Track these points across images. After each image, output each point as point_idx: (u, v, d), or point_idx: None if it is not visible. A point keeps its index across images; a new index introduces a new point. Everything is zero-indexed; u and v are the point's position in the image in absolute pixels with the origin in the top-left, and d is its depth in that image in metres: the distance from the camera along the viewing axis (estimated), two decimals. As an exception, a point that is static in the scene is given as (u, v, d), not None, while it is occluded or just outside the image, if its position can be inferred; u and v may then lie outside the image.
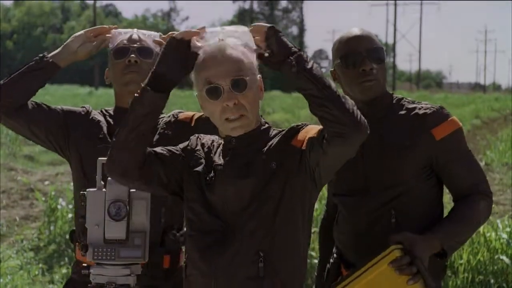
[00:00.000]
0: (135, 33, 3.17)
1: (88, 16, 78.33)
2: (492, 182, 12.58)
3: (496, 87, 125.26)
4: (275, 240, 2.48)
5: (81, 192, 2.61)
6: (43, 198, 9.28)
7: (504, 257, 6.78)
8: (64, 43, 3.17)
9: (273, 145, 2.53)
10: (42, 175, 12.56)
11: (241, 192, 2.49)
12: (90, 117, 3.20)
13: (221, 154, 2.59)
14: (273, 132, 2.60)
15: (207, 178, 2.54)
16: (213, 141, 2.67)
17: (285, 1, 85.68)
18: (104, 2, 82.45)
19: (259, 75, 2.57)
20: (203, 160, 2.58)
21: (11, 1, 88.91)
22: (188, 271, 2.56)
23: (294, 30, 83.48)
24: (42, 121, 3.13)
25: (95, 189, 2.60)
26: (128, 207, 2.56)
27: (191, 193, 2.57)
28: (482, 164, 14.21)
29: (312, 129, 2.52)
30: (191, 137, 2.70)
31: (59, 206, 8.33)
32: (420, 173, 2.98)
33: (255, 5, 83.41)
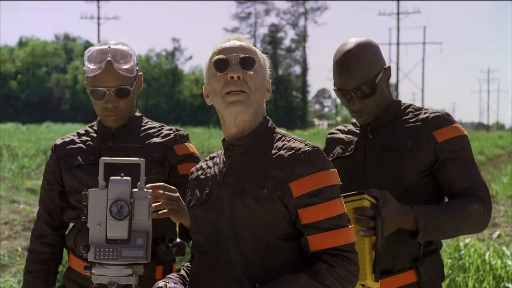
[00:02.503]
0: (110, 59, 3.06)
1: (92, 56, 78.40)
2: (498, 214, 12.60)
3: (499, 127, 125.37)
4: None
5: (83, 191, 2.57)
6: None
7: (510, 285, 6.76)
8: None
9: (270, 164, 2.43)
10: (44, 207, 12.51)
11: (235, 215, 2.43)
12: (62, 151, 3.23)
13: (221, 164, 2.56)
14: (276, 136, 2.53)
15: (204, 195, 2.53)
16: (214, 157, 2.64)
17: (288, 41, 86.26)
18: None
19: (269, 79, 2.58)
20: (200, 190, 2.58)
21: (15, 42, 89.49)
22: None
23: (297, 69, 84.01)
24: (59, 204, 3.24)
25: (96, 189, 2.56)
26: (130, 207, 2.52)
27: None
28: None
29: (318, 210, 2.38)
30: (192, 170, 2.72)
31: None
32: (421, 176, 2.94)
33: (258, 45, 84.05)
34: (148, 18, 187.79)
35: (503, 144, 36.16)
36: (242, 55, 2.48)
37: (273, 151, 2.45)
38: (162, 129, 3.24)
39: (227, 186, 2.46)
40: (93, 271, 2.51)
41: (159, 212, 2.72)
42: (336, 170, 2.45)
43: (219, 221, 2.45)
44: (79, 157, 3.15)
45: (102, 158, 2.62)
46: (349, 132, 3.16)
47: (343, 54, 2.98)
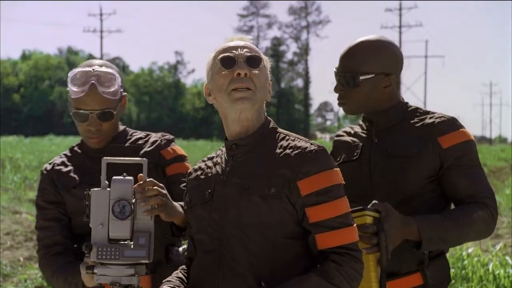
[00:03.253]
0: (94, 82, 3.05)
1: (95, 69, 78.43)
2: (501, 226, 12.56)
3: (502, 140, 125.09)
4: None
5: (85, 191, 2.56)
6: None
7: (513, 294, 6.73)
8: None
9: (277, 163, 2.44)
10: (46, 218, 12.53)
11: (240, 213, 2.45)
12: (56, 174, 3.21)
13: (223, 163, 2.57)
14: (280, 136, 2.55)
15: (206, 194, 2.54)
16: (213, 157, 2.66)
17: (290, 54, 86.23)
18: (111, 55, 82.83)
19: (270, 81, 2.61)
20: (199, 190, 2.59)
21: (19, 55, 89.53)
22: None
23: (300, 82, 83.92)
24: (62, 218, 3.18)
25: (99, 188, 2.55)
26: (132, 206, 2.51)
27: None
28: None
29: (325, 207, 2.41)
30: (189, 171, 2.73)
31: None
32: (426, 182, 2.92)
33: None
34: (151, 31, 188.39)
35: (506, 157, 36.07)
36: (249, 54, 2.52)
37: (279, 150, 2.47)
38: (149, 137, 3.26)
39: (231, 185, 2.47)
40: (95, 271, 2.50)
41: (150, 210, 2.62)
42: (339, 169, 2.47)
43: (223, 220, 2.46)
44: (75, 177, 3.16)
45: (105, 158, 2.62)
46: (355, 135, 3.15)
47: (354, 42, 3.05)
